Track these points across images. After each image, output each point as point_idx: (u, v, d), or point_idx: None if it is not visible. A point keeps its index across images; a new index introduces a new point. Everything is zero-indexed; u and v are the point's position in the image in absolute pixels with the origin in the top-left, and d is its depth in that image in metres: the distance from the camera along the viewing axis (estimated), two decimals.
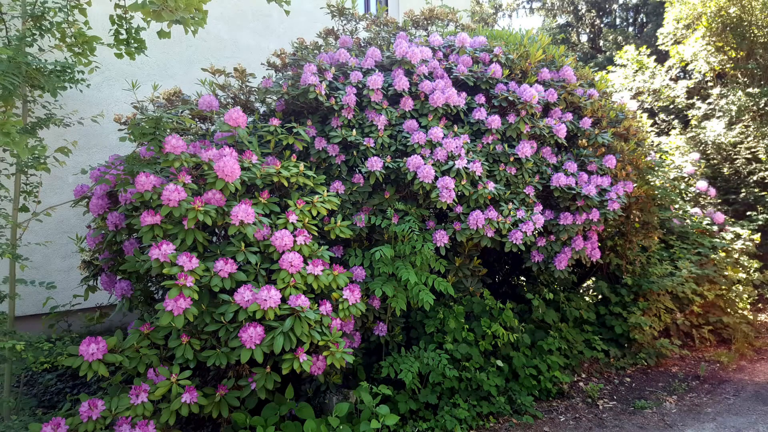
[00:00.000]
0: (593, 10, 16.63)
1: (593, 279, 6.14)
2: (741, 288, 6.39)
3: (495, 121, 4.32)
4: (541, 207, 4.37)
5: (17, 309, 4.35)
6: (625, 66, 9.89)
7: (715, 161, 8.72)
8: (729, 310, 6.16)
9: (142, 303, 3.72)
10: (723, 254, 6.44)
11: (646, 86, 9.59)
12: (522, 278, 5.98)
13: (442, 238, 3.96)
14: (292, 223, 3.36)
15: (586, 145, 4.81)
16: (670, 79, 9.90)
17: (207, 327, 3.00)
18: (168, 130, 3.40)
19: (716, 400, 4.52)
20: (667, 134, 9.52)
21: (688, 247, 6.36)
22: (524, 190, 4.37)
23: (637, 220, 5.60)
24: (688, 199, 7.64)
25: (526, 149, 4.34)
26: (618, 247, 5.70)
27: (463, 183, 3.98)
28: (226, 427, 3.28)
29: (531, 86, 4.52)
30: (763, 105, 8.23)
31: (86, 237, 3.82)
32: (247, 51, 6.80)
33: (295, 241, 3.24)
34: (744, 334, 5.92)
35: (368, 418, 3.30)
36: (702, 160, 8.35)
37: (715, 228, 6.87)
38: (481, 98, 4.51)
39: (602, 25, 16.98)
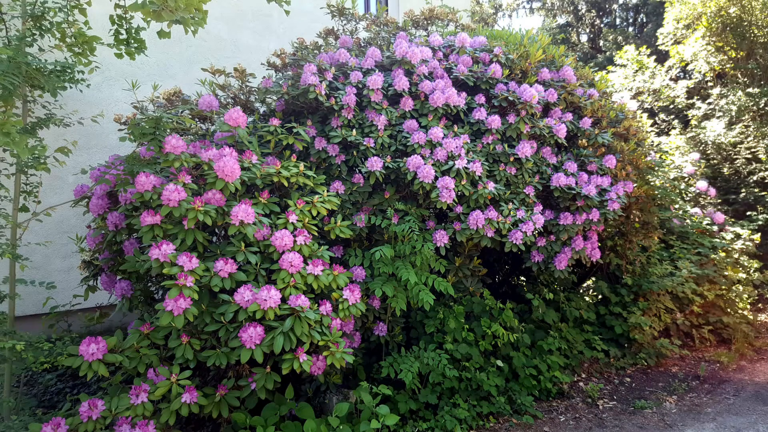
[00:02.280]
0: (593, 10, 16.62)
1: (593, 279, 6.14)
2: (741, 288, 6.40)
3: (495, 121, 4.32)
4: (541, 207, 4.37)
5: (17, 309, 4.35)
6: (625, 66, 9.89)
7: (715, 161, 8.72)
8: (729, 310, 6.17)
9: (142, 303, 3.72)
10: (723, 254, 6.45)
11: (646, 86, 9.59)
12: (522, 278, 5.98)
13: (442, 238, 3.96)
14: (292, 223, 3.36)
15: (586, 145, 4.81)
16: (670, 79, 9.91)
17: (207, 327, 3.00)
18: (168, 130, 3.40)
19: (716, 400, 4.52)
20: (667, 134, 9.52)
21: (688, 247, 6.36)
22: (524, 190, 4.37)
23: (637, 220, 5.60)
24: (688, 199, 7.65)
25: (526, 149, 4.34)
26: (618, 247, 5.70)
27: (463, 183, 3.98)
28: (226, 427, 3.28)
29: (531, 86, 4.52)
30: (763, 105, 8.23)
31: (86, 237, 3.82)
32: (247, 51, 6.80)
33: (295, 241, 3.24)
34: (744, 334, 5.92)
35: (368, 418, 3.30)
36: (702, 160, 8.35)
37: (715, 228, 6.87)
38: (481, 98, 4.51)
39: (602, 25, 16.98)
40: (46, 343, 3.27)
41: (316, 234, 3.51)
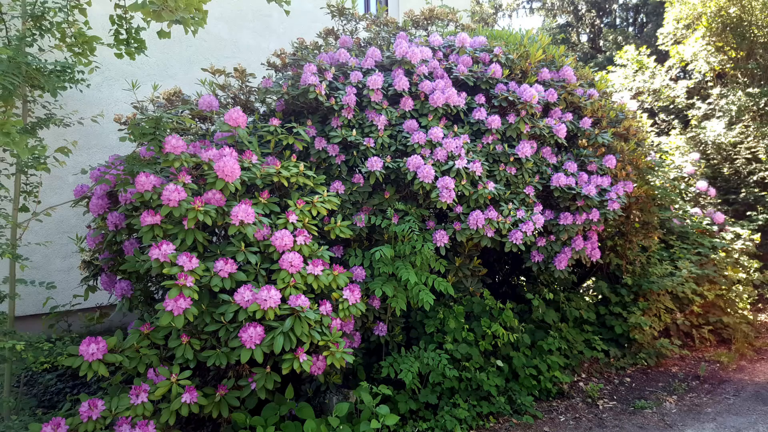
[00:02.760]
0: (593, 10, 16.63)
1: (593, 279, 6.14)
2: (741, 288, 6.39)
3: (495, 121, 4.32)
4: (541, 207, 4.37)
5: (17, 309, 4.35)
6: (625, 66, 9.89)
7: (715, 161, 8.72)
8: (729, 310, 6.16)
9: (142, 303, 3.72)
10: (723, 254, 6.44)
11: (646, 86, 9.59)
12: (522, 278, 5.98)
13: (442, 238, 3.96)
14: (292, 223, 3.36)
15: (586, 145, 4.81)
16: (670, 79, 9.90)
17: (207, 327, 3.00)
18: (168, 130, 3.40)
19: (716, 400, 4.52)
20: (667, 134, 9.52)
21: (688, 247, 6.36)
22: (524, 190, 4.37)
23: (637, 220, 5.60)
24: (688, 199, 7.64)
25: (526, 149, 4.34)
26: (618, 247, 5.70)
27: (463, 183, 3.98)
28: (226, 427, 3.28)
29: (531, 86, 4.52)
30: (763, 105, 8.23)
31: (86, 237, 3.82)
32: (247, 51, 6.80)
33: (295, 241, 3.24)
34: (744, 334, 5.92)
35: (368, 418, 3.30)
36: (702, 160, 8.35)
37: (715, 228, 6.87)
38: (481, 98, 4.51)
39: (602, 25, 16.98)
40: (46, 343, 3.27)
41: (316, 234, 3.51)
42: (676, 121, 9.77)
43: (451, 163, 4.00)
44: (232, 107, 4.36)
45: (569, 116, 4.75)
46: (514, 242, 4.09)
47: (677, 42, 9.77)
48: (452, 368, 3.83)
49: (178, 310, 2.78)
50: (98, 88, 5.63)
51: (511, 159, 4.38)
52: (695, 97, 9.54)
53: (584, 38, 17.65)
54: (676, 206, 6.80)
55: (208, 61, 6.19)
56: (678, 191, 6.86)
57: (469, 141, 4.26)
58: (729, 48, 8.87)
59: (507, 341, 4.37)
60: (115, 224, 3.49)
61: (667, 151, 7.50)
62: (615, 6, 16.59)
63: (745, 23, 8.41)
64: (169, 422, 2.84)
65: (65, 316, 4.25)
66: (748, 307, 6.66)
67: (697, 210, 7.06)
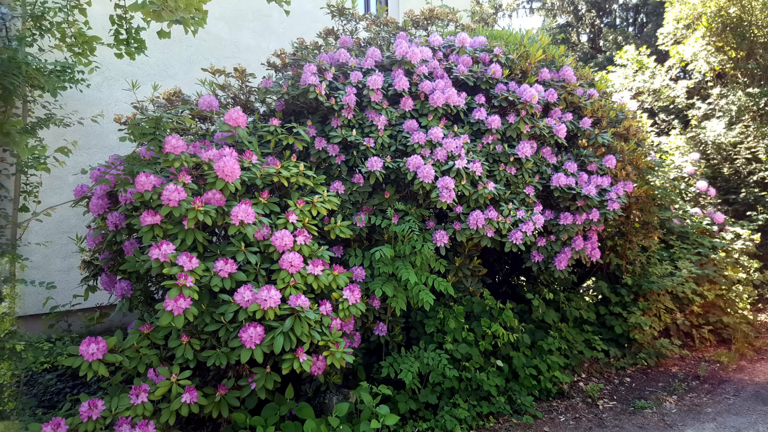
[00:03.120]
0: (593, 10, 16.63)
1: (593, 279, 6.14)
2: (741, 288, 6.39)
3: (495, 121, 4.32)
4: (541, 207, 4.37)
5: (17, 309, 4.35)
6: (625, 66, 9.89)
7: (715, 161, 8.72)
8: (729, 310, 6.16)
9: (142, 303, 3.72)
10: (723, 254, 6.44)
11: (646, 86, 9.59)
12: (522, 278, 5.98)
13: (442, 238, 3.96)
14: (292, 223, 3.36)
15: (586, 145, 4.81)
16: (670, 79, 9.90)
17: (207, 327, 3.00)
18: (168, 130, 3.40)
19: (716, 400, 4.52)
20: (667, 134, 9.52)
21: (688, 247, 6.35)
22: (524, 190, 4.37)
23: (637, 220, 5.60)
24: (688, 199, 7.64)
25: (526, 149, 4.34)
26: (618, 247, 5.70)
27: (463, 183, 3.98)
28: (226, 427, 3.28)
29: (531, 86, 4.52)
30: (763, 105, 8.23)
31: (86, 237, 3.82)
32: (247, 51, 6.80)
33: (295, 241, 3.24)
34: (744, 334, 5.92)
35: (368, 418, 3.30)
36: (702, 160, 8.35)
37: (715, 228, 6.87)
38: (481, 98, 4.51)
39: (602, 25, 16.98)
40: (46, 343, 3.27)
41: (316, 234, 3.51)
42: (676, 121, 9.77)
43: (451, 163, 4.00)
44: (232, 107, 4.36)
45: (569, 116, 4.75)
46: (514, 242, 4.09)
47: (677, 42, 9.77)
48: (452, 368, 3.83)
49: (178, 310, 2.78)
50: (98, 88, 5.63)
51: (511, 159, 4.38)
52: (695, 97, 9.54)
53: (584, 38, 17.65)
54: (676, 206, 6.80)
55: (208, 61, 6.19)
56: (678, 191, 6.86)
57: (469, 141, 4.25)
58: (729, 48, 8.87)
59: (507, 341, 4.37)
60: (115, 224, 3.49)
61: (667, 151, 7.50)
62: (615, 6, 16.59)
63: (745, 23, 8.41)
64: (169, 422, 2.84)
65: (65, 316, 4.25)
66: (748, 307, 6.66)
67: (697, 210, 7.06)
